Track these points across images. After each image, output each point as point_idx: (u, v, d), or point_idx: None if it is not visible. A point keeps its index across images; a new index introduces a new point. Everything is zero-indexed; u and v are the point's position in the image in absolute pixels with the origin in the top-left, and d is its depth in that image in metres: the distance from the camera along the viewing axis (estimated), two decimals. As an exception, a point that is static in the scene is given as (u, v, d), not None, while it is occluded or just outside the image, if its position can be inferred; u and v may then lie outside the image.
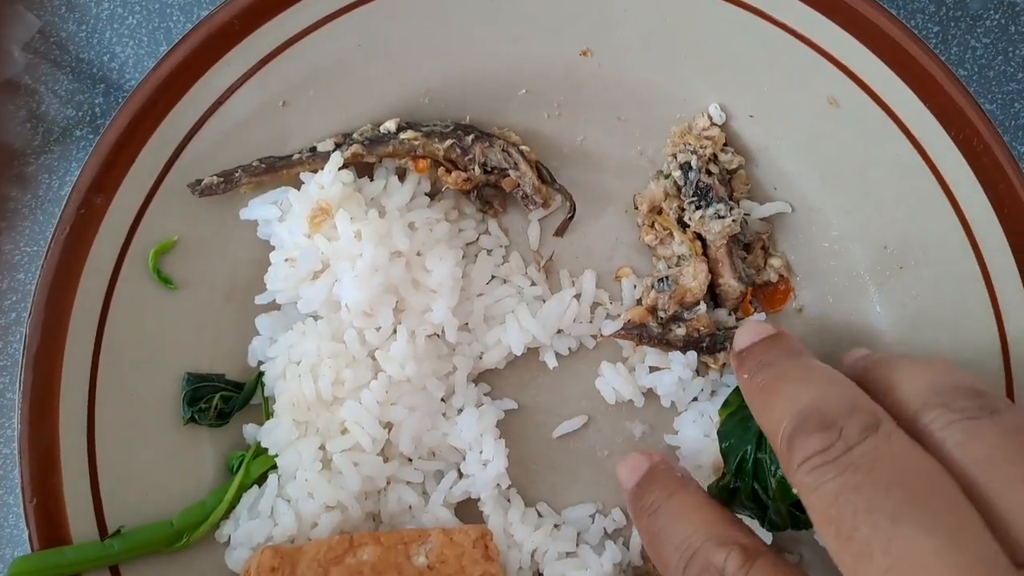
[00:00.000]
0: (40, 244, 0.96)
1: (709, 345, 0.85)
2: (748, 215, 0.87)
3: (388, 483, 0.86)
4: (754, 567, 0.60)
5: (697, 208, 0.84)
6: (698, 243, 0.86)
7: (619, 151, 0.90)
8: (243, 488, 0.84)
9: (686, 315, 0.85)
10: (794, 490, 0.60)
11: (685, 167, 0.85)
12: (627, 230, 0.91)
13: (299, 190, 0.84)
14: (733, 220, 0.83)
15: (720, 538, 0.64)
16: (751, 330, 0.72)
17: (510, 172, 0.86)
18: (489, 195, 0.89)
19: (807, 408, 0.60)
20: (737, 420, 0.75)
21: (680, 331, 0.85)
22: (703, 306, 0.85)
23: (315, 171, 0.84)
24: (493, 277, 0.90)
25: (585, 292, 0.90)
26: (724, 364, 0.87)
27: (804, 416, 0.60)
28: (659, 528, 0.69)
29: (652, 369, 0.88)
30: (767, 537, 0.80)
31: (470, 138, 0.85)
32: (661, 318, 0.86)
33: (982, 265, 0.81)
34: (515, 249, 0.91)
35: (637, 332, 0.85)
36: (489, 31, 0.85)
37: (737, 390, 0.76)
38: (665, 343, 0.85)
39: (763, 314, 0.89)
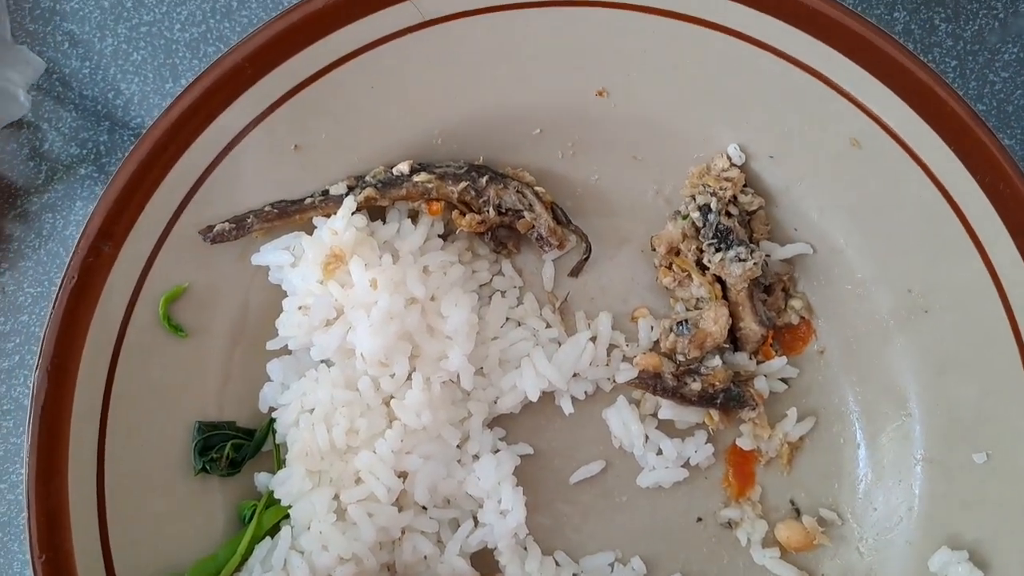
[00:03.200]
0: (44, 284, 0.94)
1: (724, 400, 0.84)
2: (769, 256, 0.86)
3: (403, 533, 0.84)
4: None
5: (717, 251, 0.83)
6: (717, 286, 0.85)
7: (635, 191, 0.88)
8: (255, 540, 0.83)
9: (702, 369, 0.84)
10: None
11: (704, 209, 0.83)
12: (643, 270, 0.89)
13: (311, 235, 0.82)
14: (754, 263, 0.82)
15: None
16: None
17: (525, 213, 0.85)
18: (503, 236, 0.88)
19: None
20: None
21: (695, 386, 0.84)
22: (719, 360, 0.84)
23: (328, 215, 0.82)
24: (508, 319, 0.88)
25: (601, 334, 0.88)
26: (741, 421, 0.87)
27: None
28: None
29: (662, 423, 0.88)
30: None
31: (484, 179, 0.84)
32: (678, 365, 0.85)
33: (1008, 309, 0.80)
34: (529, 290, 0.89)
35: (651, 383, 0.84)
36: (502, 71, 0.83)
37: None
38: (679, 396, 0.84)
39: (784, 358, 0.87)
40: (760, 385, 0.85)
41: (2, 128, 0.93)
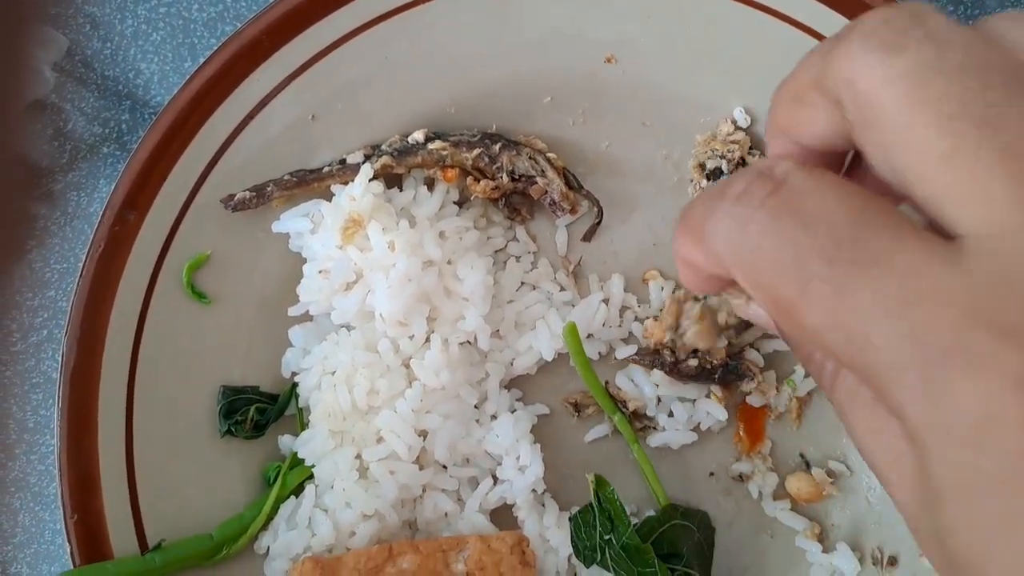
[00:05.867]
0: (70, 261, 0.97)
1: (722, 375, 0.86)
2: (775, 217, 0.87)
3: (424, 491, 0.86)
4: (819, 170, 0.42)
5: (729, 213, 0.85)
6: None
7: (644, 156, 0.90)
8: (280, 499, 0.85)
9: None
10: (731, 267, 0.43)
11: (715, 173, 0.85)
12: (653, 233, 0.91)
13: (330, 202, 0.85)
14: (766, 221, 0.84)
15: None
16: None
17: (537, 179, 0.87)
18: (517, 202, 0.90)
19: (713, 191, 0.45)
20: None
21: (693, 363, 0.85)
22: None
23: (345, 183, 0.85)
24: (522, 283, 0.90)
25: (613, 296, 0.90)
26: (744, 394, 0.89)
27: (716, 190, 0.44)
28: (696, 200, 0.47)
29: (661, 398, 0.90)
30: None
31: (497, 147, 0.86)
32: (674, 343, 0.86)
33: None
34: (543, 255, 0.91)
35: (650, 360, 0.86)
36: (514, 40, 0.86)
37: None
38: (677, 372, 0.86)
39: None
40: (752, 356, 0.87)
41: (26, 106, 0.96)
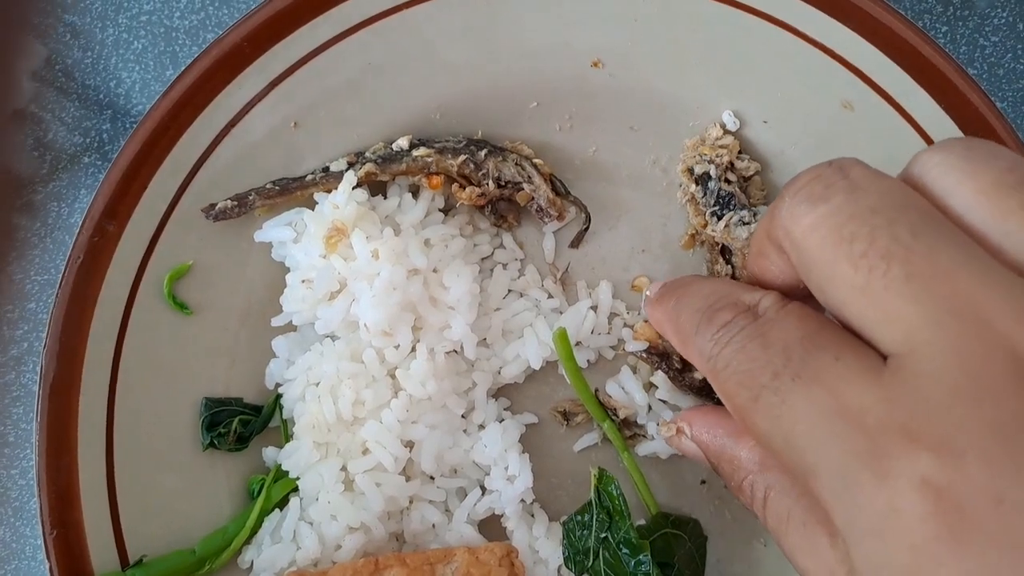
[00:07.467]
0: (51, 272, 0.96)
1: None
2: (765, 221, 0.86)
3: (411, 502, 0.85)
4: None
5: (719, 218, 0.84)
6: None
7: (632, 161, 0.89)
8: (264, 512, 0.83)
9: None
10: (707, 374, 0.56)
11: (704, 178, 0.84)
12: (642, 239, 0.90)
13: (313, 211, 0.83)
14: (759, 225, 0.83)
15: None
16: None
17: (524, 186, 0.86)
18: (503, 209, 0.89)
19: (704, 301, 0.59)
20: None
21: (698, 375, 0.84)
22: None
23: (329, 191, 0.83)
24: (510, 291, 0.89)
25: (602, 303, 0.89)
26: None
27: (708, 307, 0.58)
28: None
29: (662, 402, 0.88)
30: None
31: (483, 153, 0.85)
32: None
33: (1002, 264, 0.80)
34: (531, 262, 0.90)
35: (659, 359, 0.85)
36: (499, 45, 0.85)
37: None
38: (681, 380, 0.84)
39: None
40: None
41: (6, 117, 0.95)
